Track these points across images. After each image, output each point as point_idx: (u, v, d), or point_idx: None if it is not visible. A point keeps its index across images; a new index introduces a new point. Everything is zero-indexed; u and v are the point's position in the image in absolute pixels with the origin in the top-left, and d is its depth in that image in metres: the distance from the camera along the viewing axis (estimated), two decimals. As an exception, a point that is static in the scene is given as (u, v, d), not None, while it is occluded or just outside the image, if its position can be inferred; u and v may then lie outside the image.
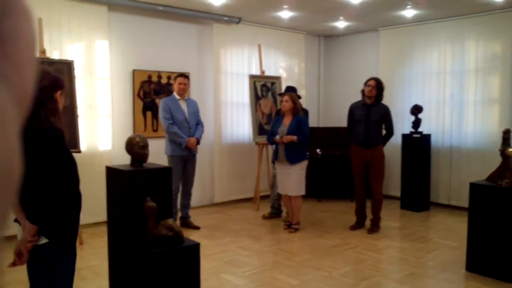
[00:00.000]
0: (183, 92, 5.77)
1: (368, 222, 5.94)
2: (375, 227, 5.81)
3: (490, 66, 6.71)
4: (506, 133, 4.39)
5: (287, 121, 5.69)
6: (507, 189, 4.21)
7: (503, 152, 4.35)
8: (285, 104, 5.65)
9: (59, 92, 2.46)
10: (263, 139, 6.77)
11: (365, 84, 5.78)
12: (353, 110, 5.86)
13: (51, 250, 2.36)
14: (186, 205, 5.99)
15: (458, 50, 7.04)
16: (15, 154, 0.29)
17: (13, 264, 2.32)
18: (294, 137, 5.52)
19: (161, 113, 5.75)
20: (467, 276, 4.34)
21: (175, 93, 5.80)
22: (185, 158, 5.78)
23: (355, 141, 5.83)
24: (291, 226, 5.84)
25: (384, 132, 5.86)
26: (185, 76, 5.82)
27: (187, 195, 5.95)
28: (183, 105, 5.78)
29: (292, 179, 5.61)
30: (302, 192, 5.74)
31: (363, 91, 5.81)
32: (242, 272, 4.42)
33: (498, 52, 6.61)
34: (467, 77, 6.96)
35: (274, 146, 5.81)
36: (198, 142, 5.81)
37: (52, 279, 2.41)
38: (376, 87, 5.69)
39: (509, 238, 4.17)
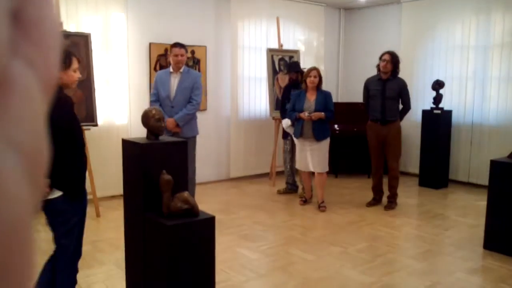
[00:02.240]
0: (180, 64, 5.02)
1: (385, 199, 5.89)
2: (391, 204, 5.76)
3: (516, 41, 6.49)
4: (530, 109, 4.27)
5: (311, 96, 5.56)
6: (530, 167, 4.11)
7: (526, 129, 4.23)
8: (314, 80, 5.51)
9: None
10: (280, 114, 6.71)
11: (380, 58, 5.65)
12: (368, 86, 5.75)
13: (64, 202, 2.76)
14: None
15: (483, 24, 6.81)
16: (43, 138, 0.29)
17: None
18: (322, 114, 5.42)
19: None
20: (484, 254, 4.29)
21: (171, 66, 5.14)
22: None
23: (371, 117, 5.73)
24: (320, 206, 5.69)
25: (400, 107, 5.74)
26: (181, 45, 5.05)
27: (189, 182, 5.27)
28: (175, 79, 5.02)
29: (318, 155, 5.55)
30: (327, 168, 5.67)
31: (378, 66, 5.67)
32: (257, 246, 4.43)
33: (525, 26, 6.39)
34: (492, 52, 6.75)
35: (296, 122, 5.64)
36: (177, 125, 4.92)
37: (68, 227, 2.80)
38: (391, 61, 5.55)
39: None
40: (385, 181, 5.87)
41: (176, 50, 4.99)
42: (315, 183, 5.79)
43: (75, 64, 2.84)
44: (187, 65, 6.45)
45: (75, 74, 2.85)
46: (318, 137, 5.51)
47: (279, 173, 6.91)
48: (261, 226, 5.10)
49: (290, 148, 6.33)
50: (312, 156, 5.59)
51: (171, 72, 5.04)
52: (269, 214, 5.57)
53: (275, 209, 5.80)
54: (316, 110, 5.46)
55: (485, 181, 5.06)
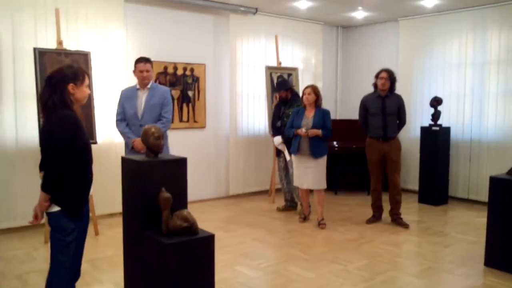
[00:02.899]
0: (146, 81, 4.69)
1: (385, 216, 5.88)
2: (402, 219, 5.76)
3: (512, 57, 6.55)
4: (528, 126, 4.28)
5: (309, 113, 5.60)
6: (529, 184, 4.11)
7: (525, 146, 4.24)
8: (308, 97, 5.55)
9: (71, 84, 2.80)
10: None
11: (377, 76, 5.67)
12: (366, 103, 5.74)
13: (61, 217, 2.77)
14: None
15: (479, 41, 6.88)
16: None
17: (31, 222, 2.79)
18: (319, 131, 5.45)
19: None
20: (485, 271, 4.26)
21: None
22: None
23: (371, 135, 5.73)
24: (320, 223, 5.68)
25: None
26: (146, 60, 4.73)
27: None
28: (142, 96, 4.70)
29: (315, 172, 5.55)
30: (324, 185, 5.65)
31: (375, 84, 5.69)
32: (257, 264, 4.40)
33: (521, 43, 6.45)
34: (488, 69, 6.80)
35: (293, 138, 5.66)
36: None
37: (64, 244, 2.79)
38: (389, 78, 5.59)
39: (530, 233, 4.08)
40: (385, 198, 5.87)
41: (141, 66, 4.68)
42: (314, 200, 5.80)
43: (87, 81, 2.91)
44: (187, 83, 6.51)
45: (87, 90, 2.92)
46: (315, 154, 5.51)
47: (279, 190, 6.90)
48: (260, 243, 5.07)
49: (284, 165, 6.33)
50: (309, 173, 5.58)
51: (137, 89, 4.75)
52: (268, 232, 5.54)
53: (274, 227, 5.77)
54: (313, 127, 5.48)
55: (484, 197, 5.06)
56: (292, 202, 6.47)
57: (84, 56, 5.36)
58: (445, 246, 4.99)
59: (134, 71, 4.76)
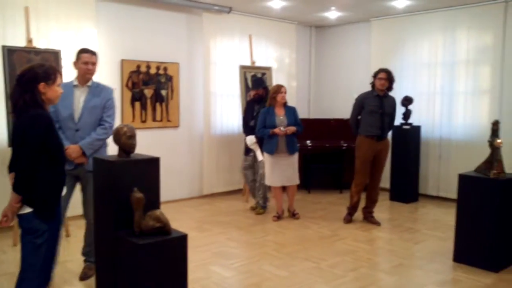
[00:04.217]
0: (90, 75, 3.97)
1: (359, 214, 5.94)
2: (374, 217, 5.86)
3: (480, 57, 6.71)
4: (495, 124, 4.40)
5: (280, 112, 5.77)
6: (495, 180, 4.23)
7: (491, 144, 4.35)
8: (284, 96, 5.79)
9: (43, 84, 2.73)
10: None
11: (375, 76, 5.64)
12: (364, 101, 5.64)
13: (33, 219, 2.71)
14: (89, 243, 4.02)
15: (449, 41, 7.03)
16: None
17: (0, 225, 2.75)
18: (295, 128, 5.72)
19: None
20: (454, 266, 4.37)
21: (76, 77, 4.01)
22: (75, 174, 3.91)
23: (366, 133, 5.62)
24: (294, 215, 6.02)
25: None
26: (92, 52, 4.00)
27: (90, 226, 3.98)
28: (81, 95, 3.93)
29: (292, 169, 5.82)
30: (298, 180, 5.97)
31: (373, 84, 5.66)
32: (230, 263, 4.40)
33: (489, 43, 6.61)
34: (458, 69, 6.96)
35: (269, 138, 5.74)
36: (85, 154, 3.83)
37: (35, 246, 2.72)
38: (387, 78, 5.57)
39: (496, 228, 4.20)
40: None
41: (87, 57, 3.93)
42: (289, 194, 6.03)
43: (59, 80, 2.84)
44: (160, 82, 6.46)
45: (59, 89, 2.85)
46: (292, 151, 5.74)
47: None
48: (234, 243, 5.08)
49: (252, 164, 6.34)
50: (286, 170, 5.78)
51: (75, 86, 3.94)
52: (242, 231, 5.55)
53: (248, 226, 5.79)
54: (288, 125, 5.69)
55: (454, 194, 5.17)
56: (265, 199, 6.45)
57: (55, 55, 5.26)
58: (416, 243, 5.09)
59: (76, 63, 3.95)
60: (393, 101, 5.74)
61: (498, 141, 4.30)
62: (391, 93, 5.76)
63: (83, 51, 3.97)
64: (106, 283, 3.31)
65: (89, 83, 3.97)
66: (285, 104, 5.83)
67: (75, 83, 3.95)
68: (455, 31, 6.94)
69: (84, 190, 4.02)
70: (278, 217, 5.95)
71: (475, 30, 6.74)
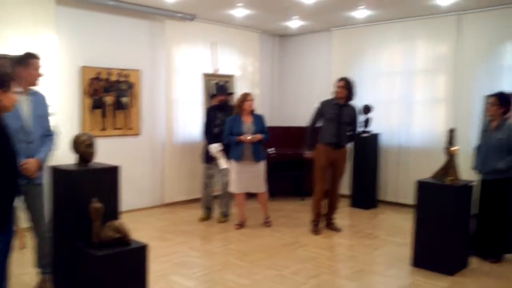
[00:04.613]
0: (38, 82, 3.76)
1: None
2: (334, 223, 5.93)
3: (436, 67, 6.94)
4: (451, 132, 4.55)
5: (247, 120, 5.82)
6: (451, 186, 4.37)
7: (447, 150, 4.50)
8: (251, 103, 5.85)
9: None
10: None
11: (335, 84, 5.72)
12: (325, 108, 5.70)
13: None
14: (43, 255, 3.80)
15: (407, 51, 7.23)
16: None
17: None
18: (261, 136, 5.78)
19: None
20: (413, 271, 4.48)
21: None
22: (24, 189, 3.39)
23: (324, 140, 5.68)
24: (266, 221, 6.08)
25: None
26: (36, 57, 3.77)
27: (43, 239, 3.76)
28: (25, 103, 3.62)
29: (258, 176, 5.86)
30: (266, 188, 6.00)
31: (335, 92, 5.70)
32: (192, 273, 4.37)
33: (444, 54, 6.85)
34: (415, 78, 7.17)
35: (235, 146, 5.77)
36: (41, 167, 3.62)
37: None
38: (346, 87, 5.64)
39: (451, 233, 4.33)
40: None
41: (38, 62, 3.75)
42: (260, 202, 6.07)
43: (14, 87, 2.78)
44: (121, 89, 6.36)
45: (14, 97, 2.77)
46: (258, 159, 5.79)
47: (215, 198, 6.85)
48: (196, 252, 5.05)
49: (214, 173, 6.31)
50: (253, 178, 5.82)
51: (20, 93, 3.48)
52: (204, 240, 5.53)
53: (210, 234, 5.76)
54: (255, 132, 5.75)
55: (411, 200, 5.31)
56: (211, 210, 6.43)
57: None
58: (375, 249, 5.19)
59: (26, 68, 3.66)
60: (352, 110, 5.80)
61: (454, 148, 4.46)
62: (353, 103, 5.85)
63: (33, 56, 3.75)
64: (63, 296, 3.23)
65: (30, 91, 3.71)
66: (252, 112, 5.88)
67: (19, 90, 3.51)
68: (413, 41, 7.16)
69: (31, 208, 3.71)
70: (240, 225, 5.96)
71: (431, 41, 6.98)
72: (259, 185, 5.90)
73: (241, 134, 5.70)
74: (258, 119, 5.87)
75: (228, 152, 5.98)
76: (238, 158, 5.75)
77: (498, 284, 4.13)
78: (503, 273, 4.42)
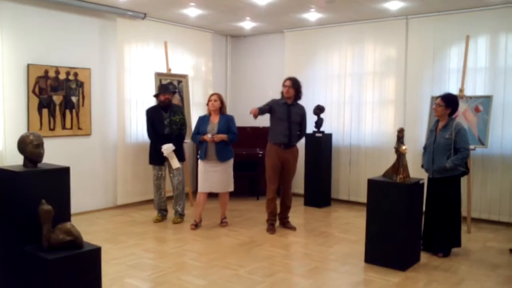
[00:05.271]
0: None
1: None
2: (289, 222, 5.98)
3: (386, 69, 7.15)
4: (400, 132, 4.68)
5: (215, 119, 5.84)
6: (401, 184, 4.50)
7: (397, 150, 4.63)
8: (214, 103, 5.82)
9: None
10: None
11: (283, 84, 5.76)
12: (274, 107, 5.72)
13: None
14: None
15: (357, 53, 7.42)
16: None
17: None
18: (225, 136, 5.74)
19: None
20: (366, 267, 4.58)
21: None
22: None
23: (275, 141, 5.73)
24: (222, 221, 6.08)
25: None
26: None
27: None
28: None
29: (223, 176, 5.84)
30: (232, 188, 5.98)
31: (283, 91, 5.74)
32: (147, 275, 4.28)
33: (393, 56, 7.07)
34: (365, 79, 7.36)
35: (200, 144, 5.84)
36: None
37: None
38: (292, 86, 5.70)
39: (403, 230, 4.46)
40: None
41: None
42: (220, 201, 6.08)
43: None
44: (70, 88, 6.19)
45: None
46: (221, 158, 5.78)
47: (169, 198, 6.76)
48: (151, 254, 4.95)
49: (163, 175, 6.24)
50: (216, 177, 5.82)
51: None
52: (159, 241, 5.44)
53: (165, 235, 5.68)
54: (219, 132, 5.73)
55: (364, 198, 5.43)
56: (165, 211, 6.36)
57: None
58: (329, 246, 5.28)
59: None
60: (301, 110, 5.87)
61: (404, 147, 4.59)
62: (302, 102, 5.92)
63: None
64: (11, 303, 3.09)
65: None
66: (221, 112, 5.87)
67: None
68: (363, 44, 7.34)
69: None
70: (196, 225, 5.90)
71: (380, 44, 7.18)
72: (224, 185, 5.88)
73: (205, 133, 5.75)
74: (225, 120, 5.84)
75: (181, 151, 6.07)
76: (202, 156, 5.80)
77: (447, 277, 4.29)
78: (452, 267, 4.60)
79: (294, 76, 5.92)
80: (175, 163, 6.04)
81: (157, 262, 4.70)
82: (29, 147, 3.11)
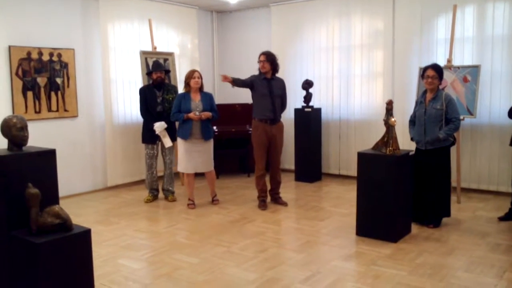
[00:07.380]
0: None
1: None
2: (281, 198, 5.99)
3: (373, 42, 7.08)
4: (389, 104, 4.65)
5: (196, 97, 5.71)
6: (391, 156, 4.50)
7: (386, 122, 4.61)
8: (198, 81, 5.69)
9: None
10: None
11: (258, 60, 5.73)
12: (255, 83, 5.67)
13: None
14: None
15: (345, 26, 7.33)
16: None
17: None
18: (210, 114, 5.69)
19: None
20: (357, 240, 4.61)
21: None
22: None
23: (260, 117, 5.70)
24: (214, 200, 6.05)
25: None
26: None
27: None
28: None
29: (206, 155, 5.80)
30: (213, 166, 5.97)
31: (259, 67, 5.70)
32: (140, 255, 4.28)
33: (381, 29, 6.99)
34: (353, 53, 7.29)
35: (183, 123, 5.65)
36: None
37: None
38: (267, 60, 5.65)
39: (393, 202, 4.48)
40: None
41: None
42: (208, 180, 6.03)
43: None
44: (54, 69, 6.08)
45: None
46: (206, 137, 5.72)
47: (160, 178, 6.74)
48: (143, 234, 4.95)
49: (155, 154, 6.20)
50: (201, 157, 5.75)
51: None
52: (151, 221, 5.43)
53: (157, 216, 5.67)
54: (204, 110, 5.66)
55: (354, 172, 5.45)
56: (157, 191, 6.35)
57: None
58: (321, 220, 5.31)
59: None
60: (281, 83, 5.84)
61: (393, 119, 4.58)
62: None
63: None
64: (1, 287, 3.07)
65: None
66: (201, 90, 5.76)
67: None
68: (350, 16, 7.25)
69: None
70: (194, 204, 5.90)
71: (367, 17, 7.10)
72: (208, 164, 5.85)
73: (189, 111, 5.60)
74: (207, 97, 5.76)
75: (172, 130, 5.96)
76: (186, 136, 5.64)
77: (437, 247, 4.34)
78: (442, 237, 4.65)
79: (268, 50, 5.87)
80: (167, 141, 6.01)
81: (149, 242, 4.70)
82: (13, 130, 3.06)
